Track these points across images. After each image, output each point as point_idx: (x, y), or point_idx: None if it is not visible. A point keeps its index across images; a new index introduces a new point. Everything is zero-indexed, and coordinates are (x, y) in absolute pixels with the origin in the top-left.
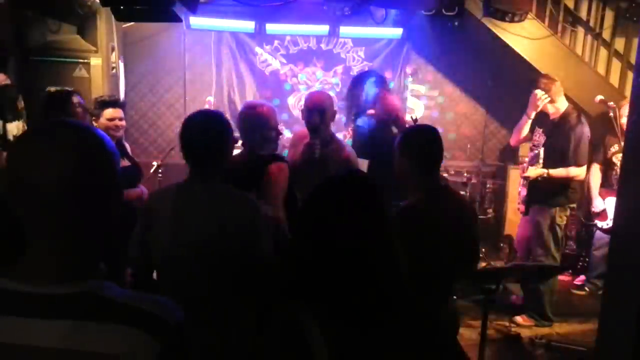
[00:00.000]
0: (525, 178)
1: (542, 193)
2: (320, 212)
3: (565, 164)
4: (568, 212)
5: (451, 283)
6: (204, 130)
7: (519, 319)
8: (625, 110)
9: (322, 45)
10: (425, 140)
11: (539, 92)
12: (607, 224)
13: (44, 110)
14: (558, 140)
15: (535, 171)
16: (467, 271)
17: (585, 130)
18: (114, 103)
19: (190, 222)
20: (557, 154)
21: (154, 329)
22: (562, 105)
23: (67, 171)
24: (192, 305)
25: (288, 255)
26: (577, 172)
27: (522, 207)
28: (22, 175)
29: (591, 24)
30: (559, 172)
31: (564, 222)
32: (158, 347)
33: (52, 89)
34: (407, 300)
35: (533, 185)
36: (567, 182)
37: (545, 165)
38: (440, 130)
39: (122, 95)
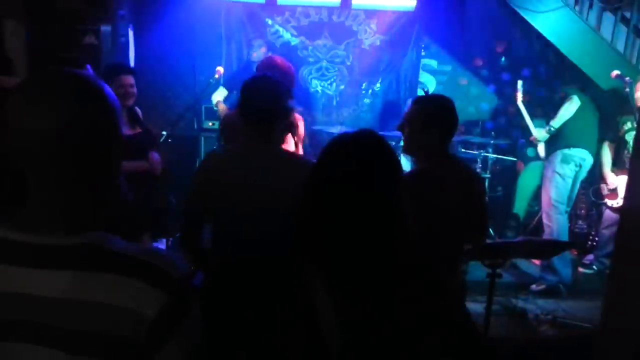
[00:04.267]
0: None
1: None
2: (332, 169)
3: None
4: None
5: (459, 251)
6: (268, 93)
7: (534, 286)
8: None
9: (334, 17)
10: (448, 110)
11: None
12: (618, 202)
13: None
14: None
15: (540, 132)
16: (475, 241)
17: None
18: (125, 70)
19: (259, 182)
20: None
21: (157, 281)
22: None
23: (67, 118)
24: (244, 266)
25: (301, 214)
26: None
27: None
28: (22, 121)
29: None
30: (558, 119)
31: None
32: (161, 299)
33: (62, 55)
34: (415, 265)
35: None
36: None
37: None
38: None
39: (131, 63)
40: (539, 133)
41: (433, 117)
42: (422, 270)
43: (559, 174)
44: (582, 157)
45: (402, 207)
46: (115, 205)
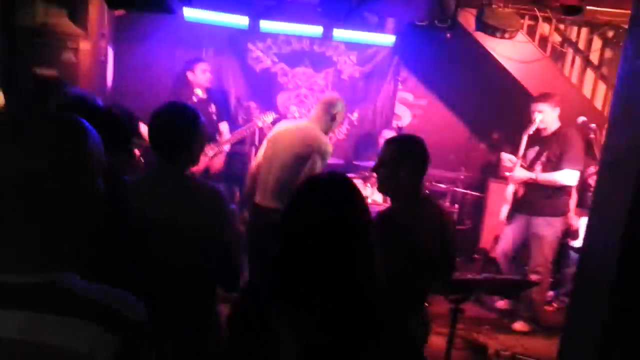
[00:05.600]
0: (511, 178)
1: (546, 203)
2: (300, 217)
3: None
4: None
5: (425, 291)
6: (171, 123)
7: (517, 325)
8: None
9: (315, 47)
10: (419, 151)
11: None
12: (579, 243)
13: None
14: (553, 148)
15: (523, 172)
16: (441, 278)
17: (580, 138)
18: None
19: (156, 210)
20: (552, 164)
21: (114, 324)
22: (556, 121)
23: (37, 166)
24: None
25: (268, 258)
26: (561, 176)
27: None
28: None
29: (580, 46)
30: (545, 176)
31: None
32: (115, 344)
33: (39, 71)
34: (384, 310)
35: (532, 192)
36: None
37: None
38: (425, 138)
39: (109, 83)
40: (519, 172)
41: (405, 158)
42: (389, 315)
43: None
44: None
45: (368, 252)
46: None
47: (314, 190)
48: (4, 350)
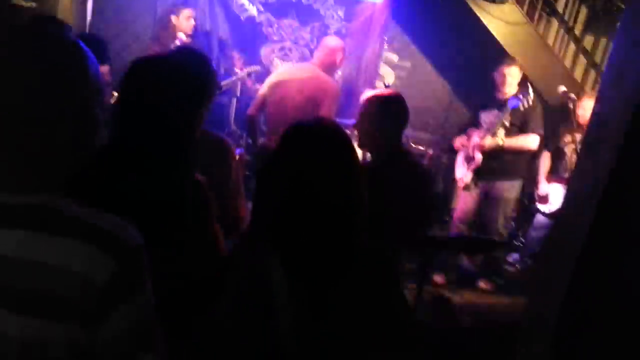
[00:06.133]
0: (481, 147)
1: (507, 166)
2: (292, 159)
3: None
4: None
5: (400, 244)
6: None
7: (481, 284)
8: (585, 103)
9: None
10: (398, 108)
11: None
12: (549, 208)
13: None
14: (516, 113)
15: (492, 140)
16: (417, 233)
17: (539, 103)
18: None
19: None
20: (515, 128)
21: (110, 247)
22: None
23: (36, 85)
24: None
25: (261, 199)
26: (527, 141)
27: (466, 180)
28: None
29: (566, 17)
30: (511, 142)
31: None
32: (112, 267)
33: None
34: (369, 253)
35: (493, 157)
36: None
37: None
38: (407, 99)
39: (88, 18)
40: (489, 140)
41: (384, 114)
42: (375, 258)
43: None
44: None
45: (359, 194)
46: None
47: (303, 135)
48: (8, 267)
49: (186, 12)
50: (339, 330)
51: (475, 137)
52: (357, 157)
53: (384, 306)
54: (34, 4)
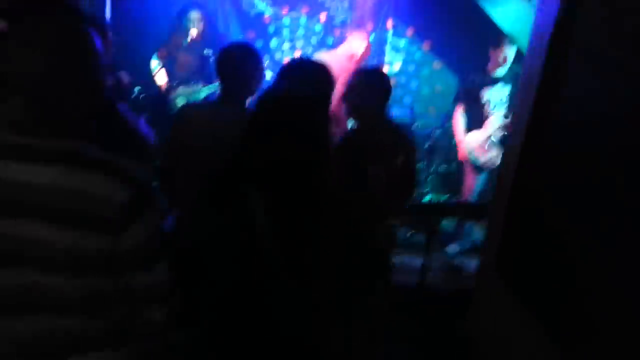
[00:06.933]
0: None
1: None
2: (265, 122)
3: None
4: None
5: (385, 207)
6: (244, 57)
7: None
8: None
9: None
10: (381, 80)
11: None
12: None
13: None
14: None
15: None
16: (399, 201)
17: None
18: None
19: (220, 135)
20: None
21: (126, 179)
22: None
23: (55, 58)
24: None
25: (245, 145)
26: None
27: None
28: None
29: None
30: None
31: None
32: (129, 192)
33: None
34: (334, 198)
35: None
36: None
37: None
38: (415, 84)
39: (107, 14)
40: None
41: (368, 86)
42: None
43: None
44: None
45: (327, 141)
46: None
47: (273, 103)
48: (43, 192)
49: (195, 14)
50: (305, 247)
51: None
52: (321, 117)
53: (344, 236)
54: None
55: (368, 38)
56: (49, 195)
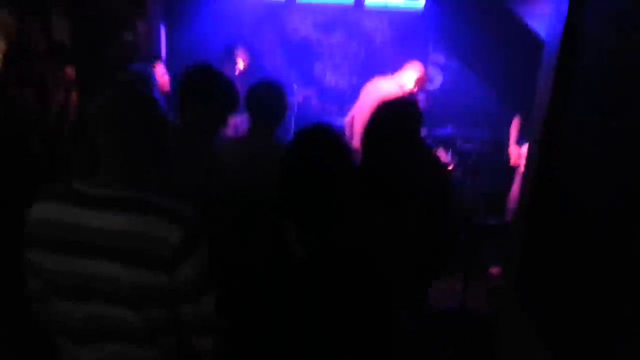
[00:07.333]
0: None
1: None
2: (298, 157)
3: None
4: None
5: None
6: (269, 93)
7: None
8: None
9: (348, 15)
10: (406, 111)
11: None
12: None
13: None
14: None
15: None
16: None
17: None
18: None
19: (250, 166)
20: None
21: (180, 221)
22: None
23: (119, 100)
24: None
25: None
26: None
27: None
28: (88, 109)
29: None
30: None
31: None
32: (181, 233)
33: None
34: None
35: None
36: None
37: None
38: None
39: (163, 58)
40: None
41: (388, 118)
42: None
43: None
44: None
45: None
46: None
47: (305, 141)
48: (111, 237)
49: (241, 48)
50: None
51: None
52: (345, 152)
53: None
54: (119, 52)
55: (423, 70)
56: (117, 239)
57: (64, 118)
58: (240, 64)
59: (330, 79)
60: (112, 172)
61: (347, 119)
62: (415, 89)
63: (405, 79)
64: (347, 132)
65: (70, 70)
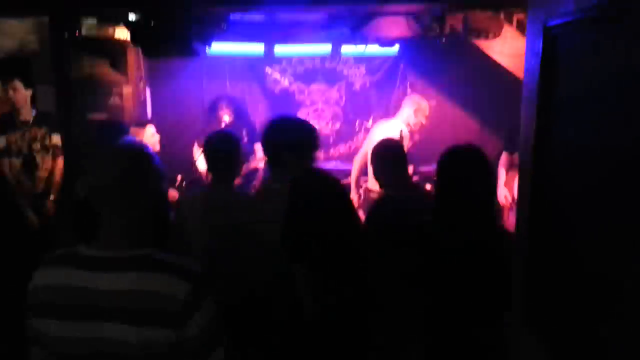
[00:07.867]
0: None
1: None
2: (302, 205)
3: None
4: None
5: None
6: (223, 145)
7: None
8: None
9: (326, 64)
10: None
11: None
12: None
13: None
14: None
15: None
16: None
17: None
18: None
19: (217, 216)
20: None
21: (185, 276)
22: None
23: (119, 173)
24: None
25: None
26: None
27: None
28: (91, 177)
29: None
30: None
31: None
32: (188, 288)
33: (92, 116)
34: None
35: None
36: None
37: None
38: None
39: (149, 118)
40: None
41: (379, 159)
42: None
43: None
44: None
45: (356, 228)
46: (161, 229)
47: (308, 188)
48: (119, 298)
49: (225, 103)
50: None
51: None
52: (347, 198)
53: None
54: (105, 115)
55: (417, 100)
56: (124, 299)
57: (50, 183)
58: (226, 118)
59: (314, 124)
60: (114, 234)
61: (357, 157)
62: (420, 121)
63: (406, 116)
64: (355, 174)
65: (56, 138)
